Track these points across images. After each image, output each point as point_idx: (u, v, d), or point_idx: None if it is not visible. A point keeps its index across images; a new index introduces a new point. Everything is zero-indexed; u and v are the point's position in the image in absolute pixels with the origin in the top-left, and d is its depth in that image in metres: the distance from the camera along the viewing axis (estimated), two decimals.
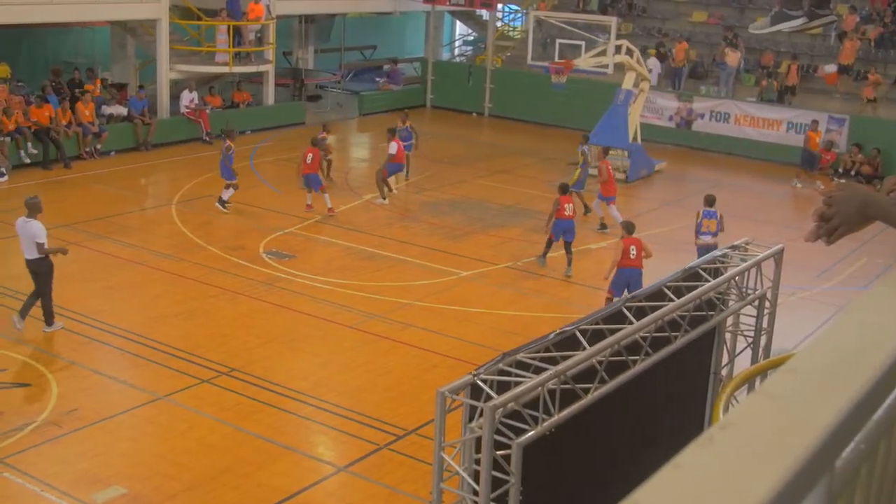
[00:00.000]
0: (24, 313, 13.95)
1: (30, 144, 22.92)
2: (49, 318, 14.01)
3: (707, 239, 16.67)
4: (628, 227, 15.21)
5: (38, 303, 13.96)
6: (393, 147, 21.87)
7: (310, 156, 20.17)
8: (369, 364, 13.49)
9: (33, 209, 13.89)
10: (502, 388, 7.54)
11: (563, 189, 17.67)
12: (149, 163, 24.62)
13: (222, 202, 20.19)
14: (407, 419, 11.94)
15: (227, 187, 20.20)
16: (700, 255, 16.40)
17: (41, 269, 13.85)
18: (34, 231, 13.68)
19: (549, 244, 17.71)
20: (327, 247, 18.45)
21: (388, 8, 34.31)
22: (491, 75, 32.61)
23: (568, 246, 17.51)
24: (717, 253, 11.10)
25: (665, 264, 17.09)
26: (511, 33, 38.20)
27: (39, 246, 13.66)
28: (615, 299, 14.16)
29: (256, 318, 14.86)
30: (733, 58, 29.46)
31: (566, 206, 17.33)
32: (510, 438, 7.39)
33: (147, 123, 25.61)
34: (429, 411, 10.68)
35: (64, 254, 14.17)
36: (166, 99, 26.87)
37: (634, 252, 14.83)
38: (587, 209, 21.04)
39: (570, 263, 17.57)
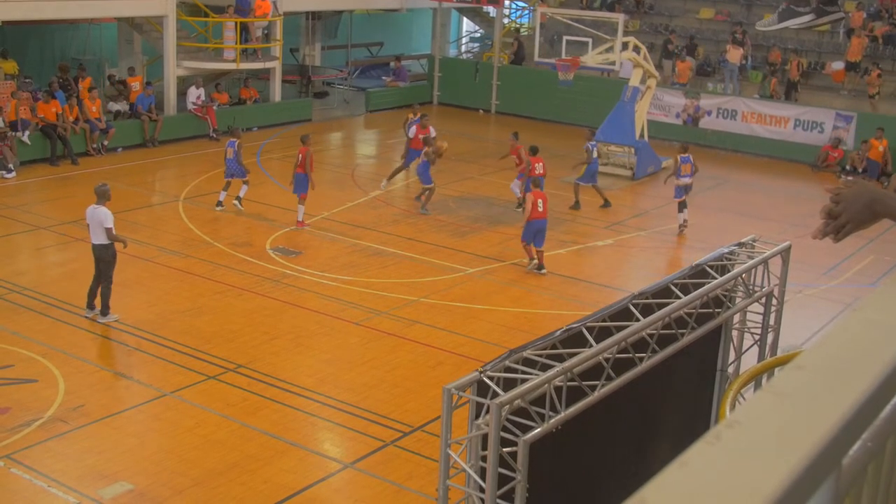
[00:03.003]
0: (91, 303, 14.43)
1: (27, 133, 22.99)
2: (105, 309, 14.31)
3: (686, 180, 19.87)
4: (536, 182, 17.79)
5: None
6: (411, 130, 22.46)
7: (299, 156, 19.19)
8: (375, 361, 13.50)
9: (102, 196, 14.27)
10: (509, 385, 7.54)
11: (534, 151, 19.89)
12: (156, 159, 24.65)
13: (238, 199, 20.02)
14: (413, 416, 11.94)
15: (244, 184, 19.99)
16: (678, 195, 19.83)
17: (105, 257, 14.22)
18: (102, 217, 14.07)
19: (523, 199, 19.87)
20: (334, 243, 18.45)
21: (395, 5, 34.31)
22: (498, 72, 32.59)
23: None
24: (724, 250, 11.09)
25: (672, 261, 17.15)
26: (518, 30, 38.17)
27: (108, 231, 14.05)
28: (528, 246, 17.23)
29: (263, 315, 14.88)
30: (734, 54, 29.40)
31: (536, 165, 19.67)
32: (516, 435, 7.39)
33: (154, 120, 25.65)
34: (435, 408, 10.71)
35: (124, 245, 14.47)
36: (173, 95, 26.90)
37: (542, 205, 17.02)
38: (606, 202, 21.42)
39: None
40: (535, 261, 17.27)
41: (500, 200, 21.89)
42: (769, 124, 28.24)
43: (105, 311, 14.33)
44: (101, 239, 14.13)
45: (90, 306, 14.45)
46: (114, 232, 14.13)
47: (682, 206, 19.94)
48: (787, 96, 28.88)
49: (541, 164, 19.75)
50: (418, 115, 23.62)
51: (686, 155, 19.95)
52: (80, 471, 10.41)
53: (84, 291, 15.31)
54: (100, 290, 14.33)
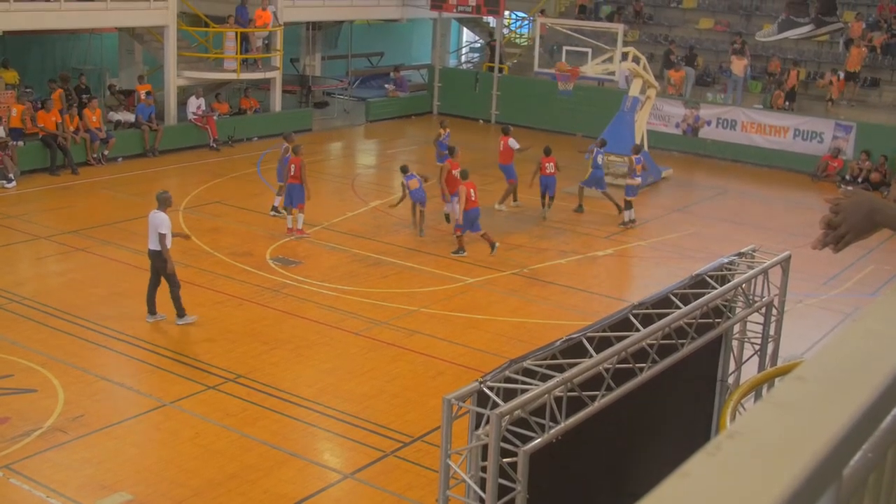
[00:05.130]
0: (152, 309, 14.61)
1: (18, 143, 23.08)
2: (180, 311, 14.55)
3: (638, 179, 21.10)
4: (464, 175, 18.56)
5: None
6: (513, 143, 21.91)
7: (293, 166, 19.04)
8: (375, 371, 13.49)
9: (163, 203, 14.44)
10: (509, 395, 7.53)
11: (547, 151, 21.14)
12: (156, 169, 24.66)
13: (276, 209, 20.31)
14: (413, 426, 11.93)
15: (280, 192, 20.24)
16: (630, 194, 20.87)
17: (157, 262, 14.36)
18: (158, 222, 14.23)
19: (542, 197, 21.40)
20: (333, 253, 18.45)
21: (395, 15, 34.38)
22: (497, 82, 32.64)
23: (550, 198, 21.34)
24: (724, 260, 11.09)
25: (672, 271, 17.13)
26: (518, 40, 38.25)
27: (161, 236, 14.18)
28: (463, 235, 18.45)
29: (263, 325, 14.87)
30: (738, 66, 29.47)
31: (547, 165, 20.94)
32: (516, 446, 7.38)
33: (154, 130, 25.67)
34: (435, 418, 10.70)
35: (171, 269, 14.42)
36: (174, 105, 26.93)
37: (473, 194, 18.35)
38: (620, 208, 21.51)
39: (549, 207, 21.39)
40: (465, 251, 18.44)
41: (501, 209, 21.88)
42: (769, 134, 28.27)
43: (181, 312, 14.52)
44: (155, 244, 14.28)
45: (151, 312, 14.62)
46: (167, 240, 14.21)
47: (629, 204, 21.00)
48: (790, 106, 28.95)
49: (552, 163, 20.95)
50: (447, 132, 23.24)
51: (638, 156, 21.24)
52: (80, 481, 10.39)
53: (84, 302, 15.35)
54: (169, 295, 14.47)
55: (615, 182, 24.69)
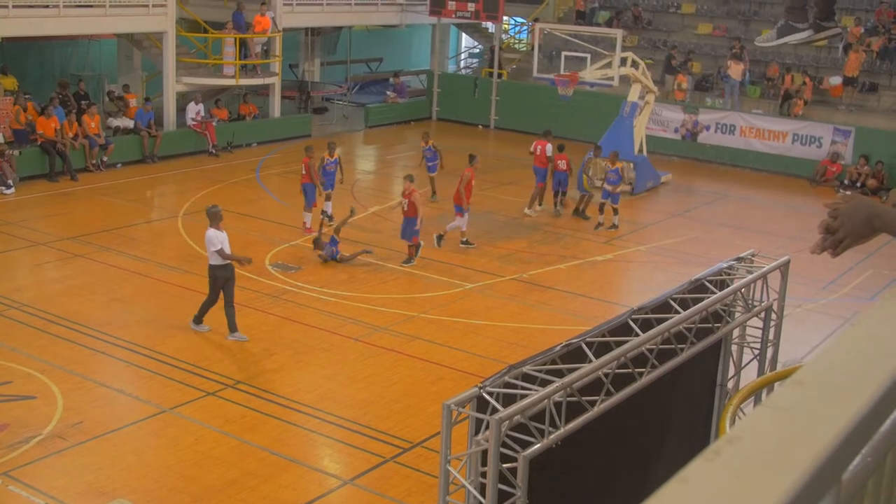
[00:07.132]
0: (232, 327, 14.46)
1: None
2: (198, 319, 14.61)
3: (619, 187, 21.48)
4: (410, 177, 18.77)
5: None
6: (550, 149, 22.00)
7: (303, 166, 19.63)
8: (375, 376, 13.48)
9: (213, 218, 14.41)
10: (508, 400, 7.53)
11: (561, 148, 21.86)
12: (155, 175, 24.67)
13: (327, 215, 20.36)
14: (413, 432, 11.92)
15: (327, 199, 20.35)
16: (614, 201, 21.07)
17: (209, 274, 14.44)
18: (207, 241, 14.32)
19: (557, 197, 22.15)
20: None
21: (394, 21, 34.43)
22: (497, 87, 32.66)
23: (563, 194, 22.09)
24: (723, 264, 11.09)
25: (671, 276, 17.13)
26: (517, 45, 38.29)
27: (217, 252, 14.20)
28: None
29: (262, 331, 14.86)
30: (736, 70, 29.51)
31: (560, 162, 21.77)
32: (516, 451, 7.37)
33: (153, 136, 25.68)
34: (435, 424, 10.69)
35: (248, 263, 14.74)
36: (173, 111, 26.94)
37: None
38: (581, 212, 21.92)
39: (561, 204, 22.17)
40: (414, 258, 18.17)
41: (500, 215, 21.91)
42: (767, 139, 28.30)
43: (198, 319, 14.60)
44: (214, 260, 14.27)
45: (232, 330, 14.45)
46: (225, 252, 14.21)
47: (612, 210, 21.19)
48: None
49: (564, 161, 21.65)
50: (430, 144, 22.95)
51: (618, 166, 21.48)
52: (79, 487, 10.38)
53: (82, 308, 15.36)
54: (224, 309, 14.50)
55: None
